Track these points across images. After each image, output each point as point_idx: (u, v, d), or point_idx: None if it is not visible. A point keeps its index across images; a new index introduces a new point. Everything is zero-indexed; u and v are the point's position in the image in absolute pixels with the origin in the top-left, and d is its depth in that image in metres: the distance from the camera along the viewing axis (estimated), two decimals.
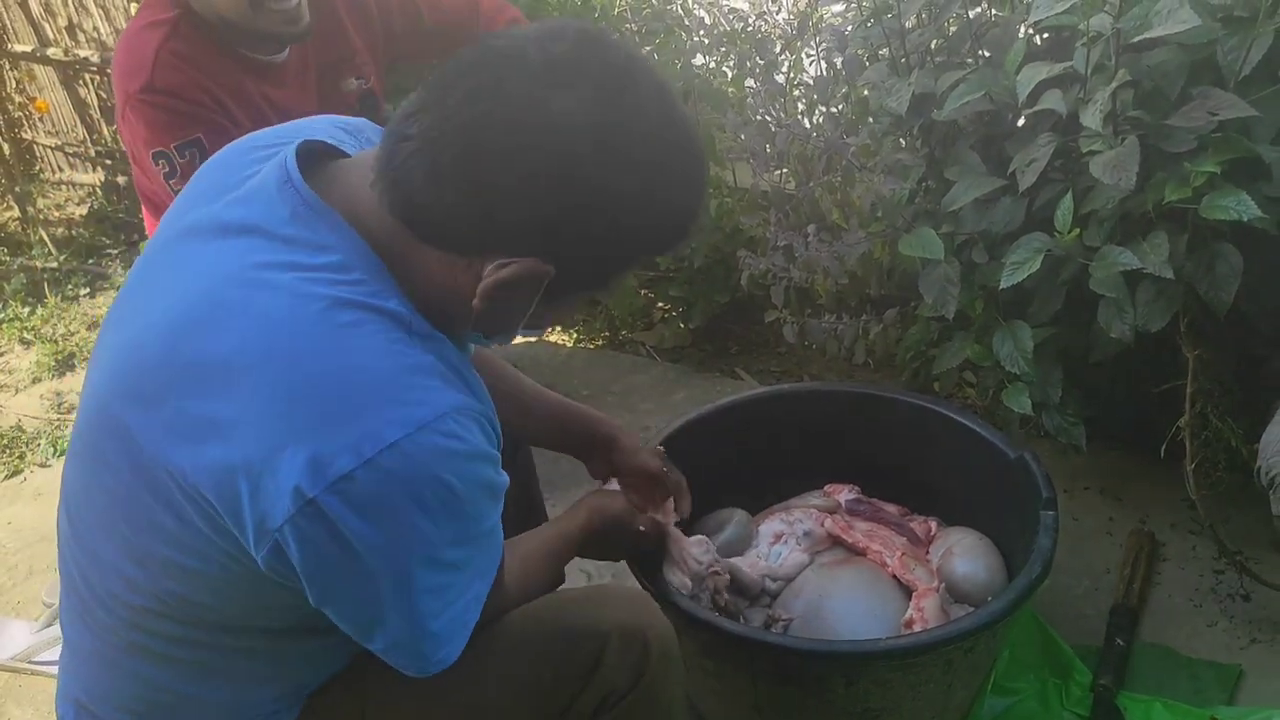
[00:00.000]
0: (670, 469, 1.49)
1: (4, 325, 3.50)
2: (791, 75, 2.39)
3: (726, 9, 2.49)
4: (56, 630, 2.00)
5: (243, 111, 1.84)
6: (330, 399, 0.84)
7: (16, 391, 3.12)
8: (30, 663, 1.97)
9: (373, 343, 0.87)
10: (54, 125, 4.46)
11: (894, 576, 1.69)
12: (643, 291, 2.80)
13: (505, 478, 0.94)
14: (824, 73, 2.02)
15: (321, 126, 1.02)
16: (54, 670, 1.91)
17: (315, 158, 0.95)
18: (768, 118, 1.91)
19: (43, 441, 2.77)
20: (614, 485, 1.50)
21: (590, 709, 1.08)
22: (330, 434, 0.83)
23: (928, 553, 1.76)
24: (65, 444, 2.68)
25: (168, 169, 1.78)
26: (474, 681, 1.04)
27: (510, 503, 0.99)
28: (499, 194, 0.84)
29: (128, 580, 0.94)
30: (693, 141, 0.91)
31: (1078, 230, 1.64)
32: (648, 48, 2.53)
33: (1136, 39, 1.54)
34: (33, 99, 4.31)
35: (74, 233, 4.24)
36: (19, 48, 4.24)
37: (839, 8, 2.20)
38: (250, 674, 1.02)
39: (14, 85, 4.34)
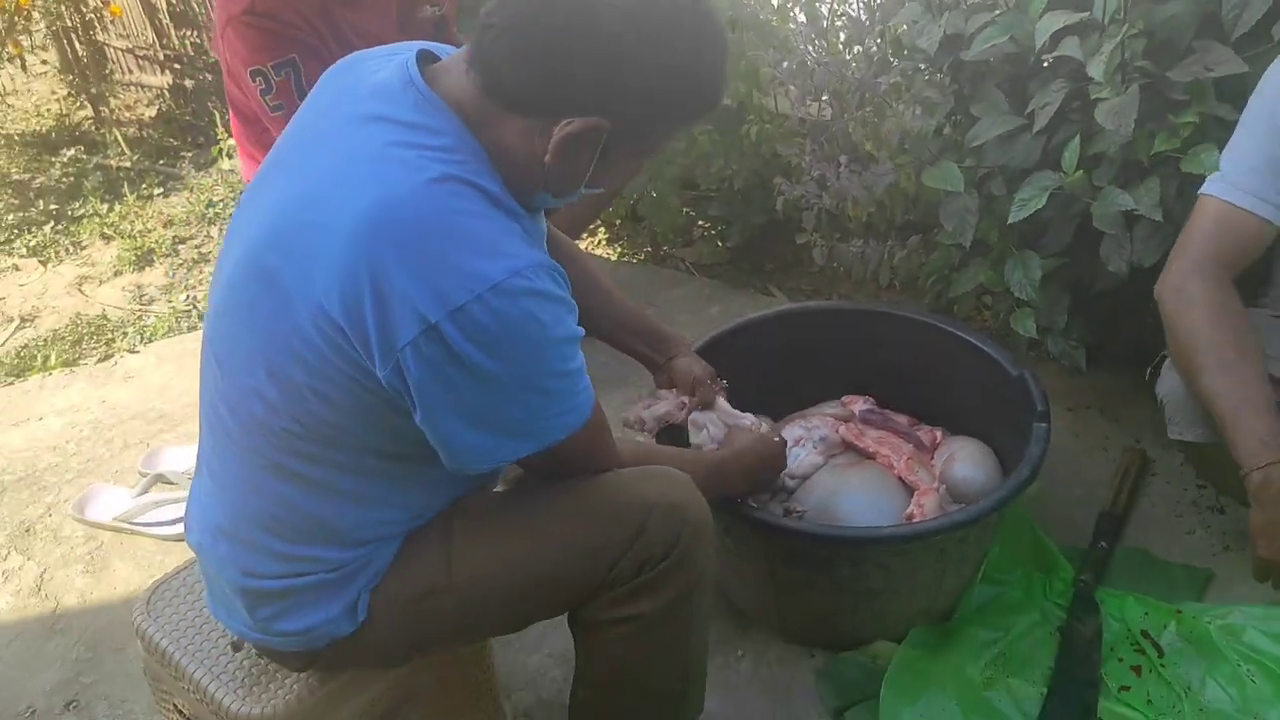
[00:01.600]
0: (715, 381, 1.71)
1: (85, 220, 3.73)
2: (836, 8, 2.51)
3: None
4: (153, 495, 2.26)
5: (333, 35, 2.00)
6: (444, 245, 1.06)
7: (100, 283, 3.35)
8: (130, 523, 2.22)
9: (474, 207, 1.09)
10: (125, 28, 4.63)
11: (899, 478, 1.88)
12: (684, 210, 2.95)
13: (578, 327, 1.16)
14: (860, 14, 2.15)
15: (417, 45, 1.23)
16: (153, 530, 2.19)
17: (422, 63, 1.18)
18: (809, 51, 2.05)
19: (129, 330, 3.01)
20: (671, 395, 1.71)
21: (632, 570, 1.26)
22: (446, 271, 1.05)
23: (932, 458, 1.94)
24: (149, 332, 2.94)
25: (264, 85, 1.96)
26: (538, 536, 1.26)
27: None
28: (566, 61, 1.07)
29: (270, 405, 1.16)
30: (715, 19, 1.14)
31: (1081, 171, 1.78)
32: None
33: None
34: (106, 2, 4.47)
35: (144, 133, 4.43)
36: None
37: None
38: (371, 495, 1.22)
39: None
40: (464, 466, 1.16)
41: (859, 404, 2.06)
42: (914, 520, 1.75)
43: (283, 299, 1.11)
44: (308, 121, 1.22)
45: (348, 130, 1.15)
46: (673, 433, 1.70)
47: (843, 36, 2.45)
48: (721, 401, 1.70)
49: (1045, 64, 1.99)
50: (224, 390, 1.23)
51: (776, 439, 1.68)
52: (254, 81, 1.98)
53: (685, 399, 1.70)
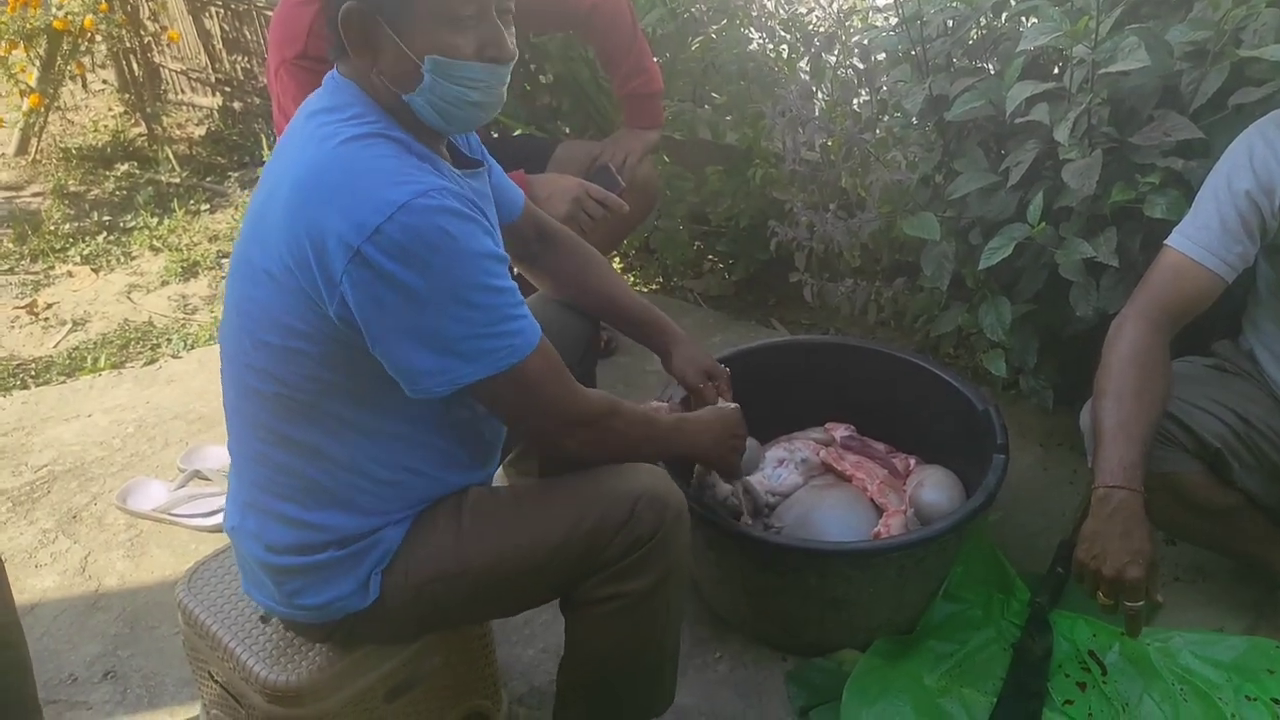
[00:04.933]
0: (715, 378, 1.85)
1: (135, 232, 3.96)
2: (841, 60, 2.70)
3: None
4: (190, 489, 2.46)
5: None
6: (358, 184, 1.25)
7: (148, 291, 3.58)
8: (168, 514, 2.41)
9: (381, 151, 1.28)
10: (180, 51, 4.90)
11: (872, 500, 2.05)
12: (694, 244, 3.14)
13: (500, 250, 1.32)
14: (849, 73, 2.34)
15: None
16: (188, 521, 2.38)
17: None
18: (802, 104, 2.23)
19: (174, 337, 3.22)
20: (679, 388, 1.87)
21: (621, 551, 1.43)
22: (361, 203, 1.23)
23: (904, 484, 2.11)
24: (191, 340, 3.16)
25: None
26: (540, 522, 1.44)
27: None
28: None
29: (259, 373, 1.35)
30: None
31: (1045, 224, 1.95)
32: (713, 27, 2.85)
33: (1103, 71, 1.84)
34: (164, 28, 4.74)
35: (194, 151, 4.68)
36: None
37: (883, 2, 2.52)
38: (362, 458, 1.39)
39: (148, 13, 4.77)
40: (424, 390, 1.30)
41: (840, 430, 2.23)
42: (879, 538, 1.92)
43: (255, 274, 1.33)
44: (283, 134, 1.44)
45: (296, 130, 1.36)
46: None
47: (832, 90, 2.63)
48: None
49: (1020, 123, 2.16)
50: (229, 374, 1.43)
51: (732, 408, 1.78)
52: None
53: (674, 408, 1.84)
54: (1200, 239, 1.71)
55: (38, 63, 4.41)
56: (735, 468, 1.81)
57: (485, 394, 1.34)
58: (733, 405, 1.76)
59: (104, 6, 4.33)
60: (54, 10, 4.28)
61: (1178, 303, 1.74)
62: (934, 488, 2.03)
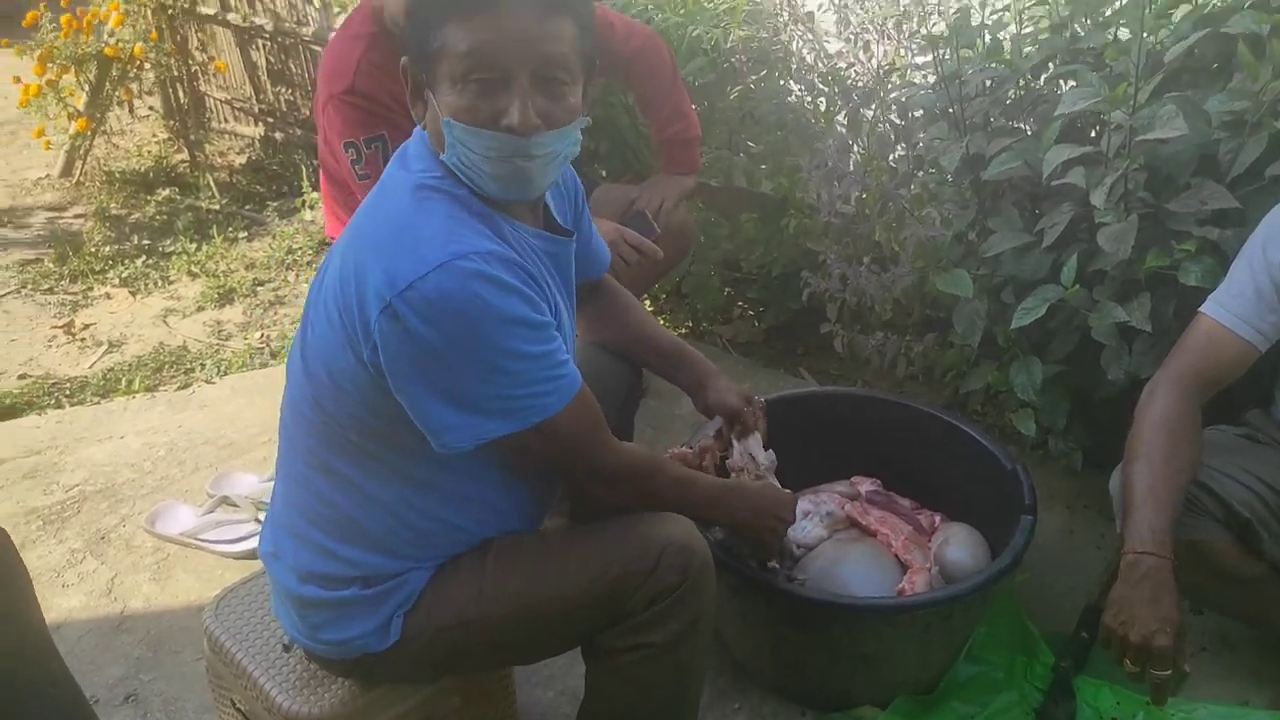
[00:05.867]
0: (752, 405, 1.86)
1: (174, 257, 4.03)
2: (880, 115, 2.72)
3: (827, 51, 2.82)
4: (217, 515, 2.48)
5: None
6: (403, 238, 1.28)
7: (184, 316, 3.63)
8: (195, 539, 2.43)
9: (435, 207, 1.30)
10: (225, 81, 4.99)
11: (896, 556, 2.04)
12: (725, 289, 3.16)
13: (545, 319, 1.31)
14: (886, 131, 2.36)
15: None
16: (214, 547, 2.40)
17: None
18: (840, 159, 2.26)
19: (207, 363, 3.26)
20: (715, 424, 1.88)
21: (645, 601, 1.43)
22: (401, 257, 1.25)
23: (929, 540, 2.10)
24: (225, 366, 3.20)
25: (355, 156, 2.20)
26: (565, 570, 1.44)
27: None
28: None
29: (312, 402, 1.38)
30: None
31: (1079, 286, 1.96)
32: (752, 77, 2.88)
33: (1140, 138, 1.85)
34: (212, 58, 4.83)
35: (234, 179, 4.76)
36: (205, 10, 4.77)
37: (922, 60, 2.54)
38: (396, 499, 1.41)
39: (196, 43, 4.88)
40: (447, 444, 1.31)
41: (866, 485, 2.22)
42: (904, 595, 1.91)
43: (318, 304, 1.37)
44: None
45: (385, 173, 1.42)
46: None
47: (869, 144, 2.65)
48: (756, 437, 1.85)
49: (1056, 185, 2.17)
50: (287, 394, 1.46)
51: (786, 493, 1.79)
52: (347, 152, 2.22)
53: (710, 444, 1.85)
54: (1234, 307, 1.71)
55: (87, 87, 4.51)
56: (770, 549, 1.78)
57: (512, 446, 1.34)
58: (787, 492, 1.77)
59: (154, 35, 4.43)
60: (105, 37, 4.38)
61: (1210, 370, 1.73)
62: (959, 546, 2.02)
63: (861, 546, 2.07)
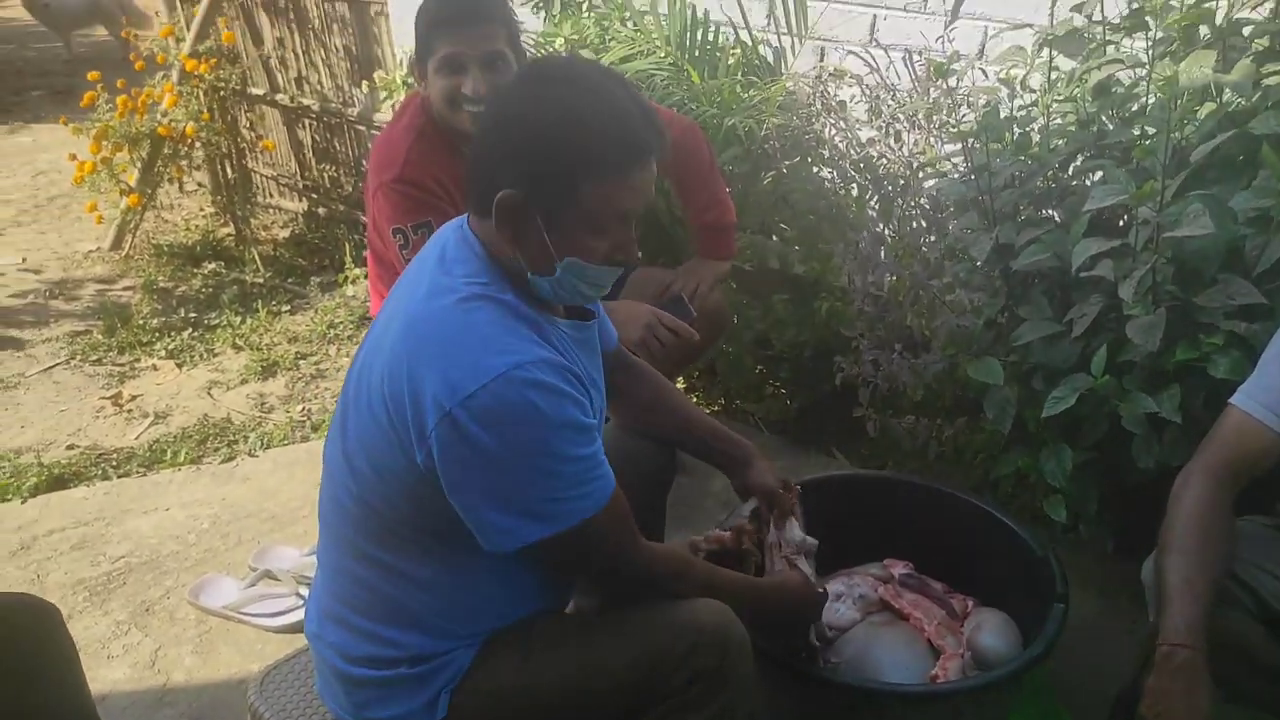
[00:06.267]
0: (789, 488, 1.90)
1: (219, 330, 4.14)
2: (910, 202, 2.79)
3: (859, 139, 2.91)
4: (260, 589, 2.53)
5: (463, 199, 2.34)
6: (460, 347, 1.34)
7: (228, 389, 3.72)
8: (238, 612, 2.48)
9: (487, 316, 1.37)
10: (271, 158, 5.15)
11: (929, 641, 2.06)
12: (757, 367, 3.21)
13: (591, 420, 1.39)
14: (917, 217, 2.43)
15: None
16: (256, 620, 2.44)
17: None
18: (873, 246, 2.32)
19: (250, 435, 3.34)
20: (750, 504, 1.91)
21: (683, 683, 1.47)
22: (459, 367, 1.32)
23: (961, 625, 2.12)
24: (267, 439, 3.27)
25: (402, 241, 2.29)
26: (606, 650, 1.49)
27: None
28: (488, 158, 1.38)
29: (352, 495, 1.44)
30: (601, 94, 1.36)
31: (1109, 377, 2.00)
32: (786, 163, 2.97)
33: (1167, 234, 1.90)
34: (260, 136, 5.00)
35: (278, 253, 4.89)
36: (255, 91, 4.95)
37: (952, 149, 2.61)
38: (438, 582, 1.46)
39: (246, 122, 5.05)
40: (496, 545, 1.38)
41: (899, 568, 2.24)
42: (937, 681, 1.92)
43: (362, 398, 1.42)
44: (410, 267, 1.55)
45: (421, 270, 1.47)
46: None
47: (899, 228, 2.71)
48: (793, 521, 1.87)
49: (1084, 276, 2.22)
50: (326, 486, 1.52)
51: (821, 590, 1.85)
52: (395, 237, 2.31)
53: (745, 525, 1.88)
54: (1265, 400, 1.74)
55: (139, 164, 4.67)
56: (796, 646, 1.83)
57: (550, 548, 1.39)
58: (817, 590, 1.80)
59: (206, 116, 4.60)
60: (159, 117, 4.55)
61: (1242, 461, 1.76)
62: (992, 632, 2.04)
63: (895, 631, 2.08)
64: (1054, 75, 2.42)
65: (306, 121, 4.91)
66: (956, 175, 2.47)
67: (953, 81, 2.48)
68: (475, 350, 1.33)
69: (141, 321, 4.19)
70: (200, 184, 5.24)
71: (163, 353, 3.99)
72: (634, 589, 1.53)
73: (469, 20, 2.21)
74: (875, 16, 3.01)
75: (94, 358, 3.96)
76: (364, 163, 4.68)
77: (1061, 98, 2.38)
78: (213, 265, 4.71)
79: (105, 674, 2.32)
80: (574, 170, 1.35)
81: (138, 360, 3.96)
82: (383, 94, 3.90)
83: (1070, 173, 2.37)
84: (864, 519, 2.28)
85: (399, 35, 4.09)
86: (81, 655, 1.63)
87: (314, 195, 5.02)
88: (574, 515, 1.38)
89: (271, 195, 5.30)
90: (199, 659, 2.37)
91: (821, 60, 3.12)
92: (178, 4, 4.87)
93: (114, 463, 3.22)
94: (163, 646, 2.42)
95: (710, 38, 3.11)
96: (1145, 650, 2.25)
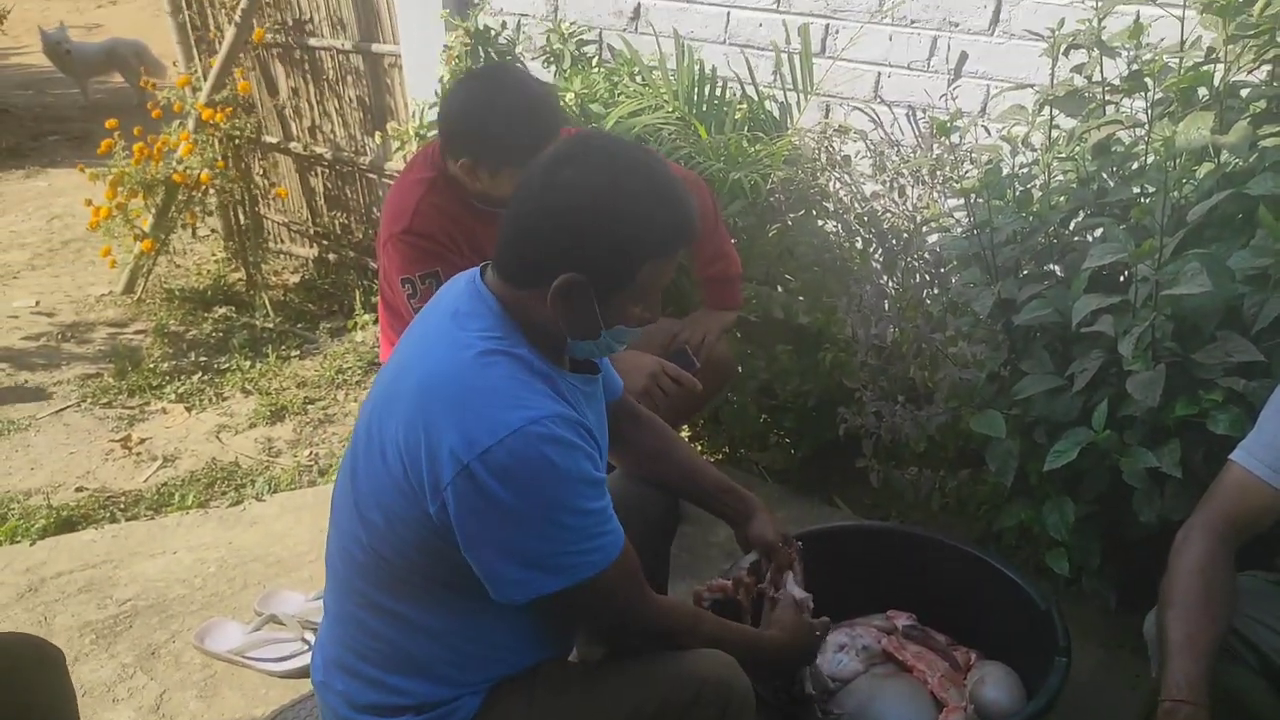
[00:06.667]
0: (789, 543, 1.92)
1: (229, 373, 4.17)
2: (913, 257, 2.83)
3: (863, 193, 2.95)
4: (265, 634, 2.54)
5: (471, 250, 2.38)
6: (477, 402, 1.36)
7: (236, 433, 3.75)
8: (243, 657, 2.48)
9: (504, 371, 1.39)
10: (283, 205, 5.22)
11: (932, 693, 2.07)
12: (762, 416, 3.24)
13: (602, 474, 1.42)
14: (920, 271, 2.47)
15: None
16: (261, 665, 2.45)
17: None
18: (875, 300, 2.36)
19: (258, 479, 3.36)
20: (751, 557, 1.93)
21: None
22: (476, 421, 1.34)
23: (964, 678, 2.12)
24: (275, 483, 3.29)
25: (410, 291, 2.33)
26: (610, 698, 1.51)
27: None
28: (541, 238, 1.40)
29: (362, 546, 1.46)
30: (656, 177, 1.41)
31: (1110, 431, 2.02)
32: (790, 216, 3.02)
33: (1165, 292, 1.93)
34: (273, 184, 5.07)
35: (287, 298, 4.94)
36: (269, 139, 5.03)
37: (955, 203, 2.66)
38: (445, 630, 1.47)
39: (259, 170, 5.12)
40: (507, 596, 1.40)
41: (902, 619, 2.25)
42: None
43: (373, 447, 1.44)
44: (421, 318, 1.58)
45: (433, 322, 1.51)
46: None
47: (903, 280, 2.75)
48: (790, 575, 1.89)
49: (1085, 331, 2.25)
50: (334, 535, 1.55)
51: (817, 633, 1.85)
52: (403, 287, 2.35)
53: (744, 577, 1.91)
54: (1265, 456, 1.76)
55: (153, 210, 4.73)
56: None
57: (561, 602, 1.42)
58: (818, 632, 1.83)
59: (221, 164, 4.67)
60: (175, 164, 4.62)
61: (1243, 517, 1.77)
62: (995, 686, 2.05)
63: (898, 683, 2.09)
64: (1055, 134, 2.47)
65: (319, 169, 4.97)
66: (959, 230, 2.52)
67: (955, 139, 2.53)
68: (492, 405, 1.36)
69: (152, 365, 4.23)
70: (213, 229, 5.30)
71: (173, 396, 4.02)
72: (641, 643, 1.55)
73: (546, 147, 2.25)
74: (880, 74, 3.08)
75: (104, 400, 3.99)
76: (375, 210, 4.75)
77: (1062, 156, 2.43)
78: (223, 310, 4.76)
79: (110, 718, 2.33)
80: (638, 257, 1.41)
81: (148, 403, 3.99)
82: (395, 144, 3.96)
83: (1071, 230, 2.41)
84: (867, 570, 2.30)
85: (412, 86, 4.16)
86: (87, 699, 1.65)
87: (325, 241, 5.07)
88: (586, 569, 1.40)
89: (283, 241, 5.36)
90: (203, 704, 2.38)
91: (827, 116, 3.19)
92: (195, 54, 4.96)
93: (122, 505, 3.25)
94: (168, 690, 2.42)
95: (718, 93, 3.17)
96: (1148, 705, 2.25)
